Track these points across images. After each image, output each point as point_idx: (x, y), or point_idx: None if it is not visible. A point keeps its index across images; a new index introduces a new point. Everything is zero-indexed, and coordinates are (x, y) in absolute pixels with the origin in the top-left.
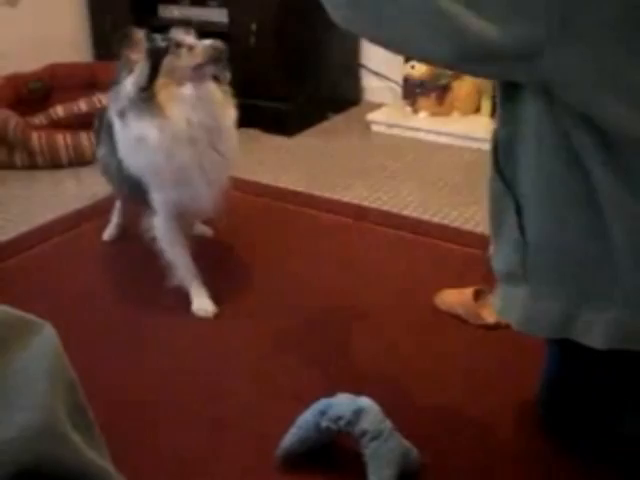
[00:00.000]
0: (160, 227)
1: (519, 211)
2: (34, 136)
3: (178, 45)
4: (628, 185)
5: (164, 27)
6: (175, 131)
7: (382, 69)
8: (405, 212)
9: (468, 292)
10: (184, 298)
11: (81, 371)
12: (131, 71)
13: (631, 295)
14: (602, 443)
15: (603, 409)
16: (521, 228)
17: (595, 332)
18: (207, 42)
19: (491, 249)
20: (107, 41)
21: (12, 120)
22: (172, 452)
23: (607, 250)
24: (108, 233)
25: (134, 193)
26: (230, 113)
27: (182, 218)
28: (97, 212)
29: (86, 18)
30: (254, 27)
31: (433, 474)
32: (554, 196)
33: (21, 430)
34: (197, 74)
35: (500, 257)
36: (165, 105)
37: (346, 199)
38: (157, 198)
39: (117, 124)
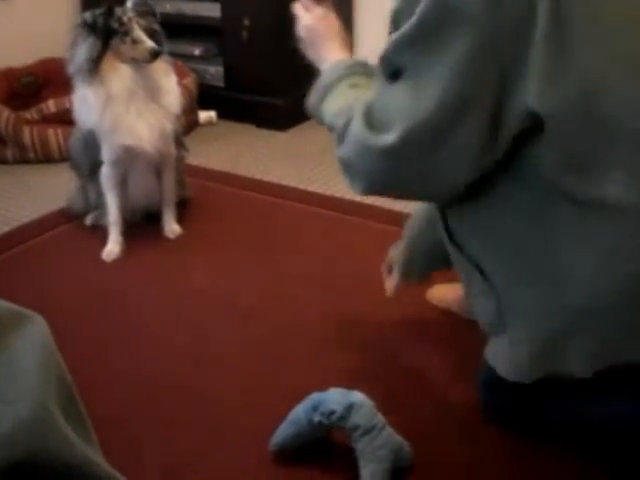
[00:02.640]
0: (105, 173)
1: (479, 268)
2: (26, 131)
3: (125, 32)
4: None
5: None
6: (111, 94)
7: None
8: (397, 207)
9: (460, 286)
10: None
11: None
12: (85, 39)
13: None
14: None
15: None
16: (486, 279)
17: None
18: (148, 45)
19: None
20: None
21: (3, 114)
22: (163, 450)
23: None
24: (90, 219)
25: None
26: (169, 77)
27: (130, 162)
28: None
29: (78, 12)
30: (247, 22)
31: (425, 470)
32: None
33: (13, 424)
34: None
35: (478, 308)
36: (106, 76)
37: (338, 194)
38: (104, 147)
39: (75, 79)
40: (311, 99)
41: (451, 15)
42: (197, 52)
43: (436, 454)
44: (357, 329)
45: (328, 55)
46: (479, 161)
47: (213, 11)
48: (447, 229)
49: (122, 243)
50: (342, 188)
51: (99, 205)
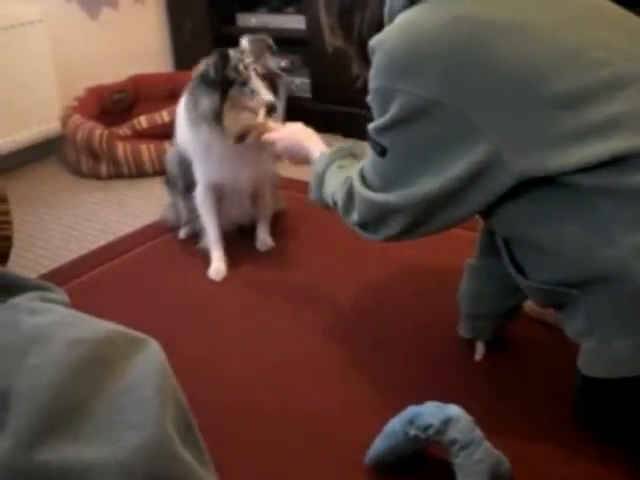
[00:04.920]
0: (199, 194)
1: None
2: (119, 146)
3: (244, 83)
4: None
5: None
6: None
7: None
8: None
9: None
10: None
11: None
12: (205, 92)
13: None
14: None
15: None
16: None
17: None
18: (267, 97)
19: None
20: (187, 51)
21: (97, 131)
22: (260, 464)
23: None
24: (183, 232)
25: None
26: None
27: (221, 191)
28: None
29: (166, 29)
30: None
31: None
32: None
33: (134, 450)
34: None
35: (565, 319)
36: (227, 125)
37: None
38: (198, 170)
39: (188, 127)
40: (312, 191)
41: (418, 113)
42: (283, 64)
43: (535, 470)
44: (453, 342)
45: (311, 152)
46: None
47: (298, 23)
48: (514, 262)
49: (226, 260)
50: None
51: (191, 219)
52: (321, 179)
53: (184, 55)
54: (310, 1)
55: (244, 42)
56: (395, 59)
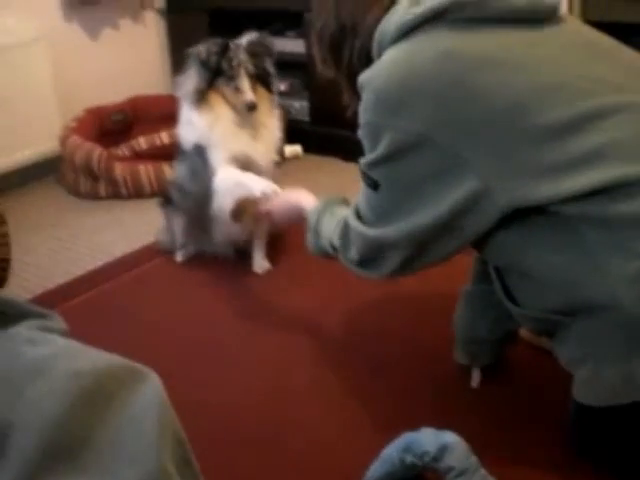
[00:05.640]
0: (219, 180)
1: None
2: (117, 167)
3: (231, 77)
4: None
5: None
6: (218, 116)
7: None
8: None
9: None
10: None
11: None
12: (196, 71)
13: None
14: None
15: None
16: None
17: None
18: (247, 98)
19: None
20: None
21: (96, 152)
22: None
23: None
24: (179, 255)
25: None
26: (272, 115)
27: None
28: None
29: (166, 50)
30: None
31: None
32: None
33: None
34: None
35: (557, 348)
36: (212, 104)
37: None
38: (215, 156)
39: (182, 103)
40: (309, 244)
41: (408, 148)
42: (283, 88)
43: None
44: (449, 368)
45: (305, 208)
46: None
47: (297, 47)
48: (506, 290)
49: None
50: None
51: (187, 242)
52: (316, 231)
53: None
54: (310, 26)
55: (244, 39)
56: (383, 95)
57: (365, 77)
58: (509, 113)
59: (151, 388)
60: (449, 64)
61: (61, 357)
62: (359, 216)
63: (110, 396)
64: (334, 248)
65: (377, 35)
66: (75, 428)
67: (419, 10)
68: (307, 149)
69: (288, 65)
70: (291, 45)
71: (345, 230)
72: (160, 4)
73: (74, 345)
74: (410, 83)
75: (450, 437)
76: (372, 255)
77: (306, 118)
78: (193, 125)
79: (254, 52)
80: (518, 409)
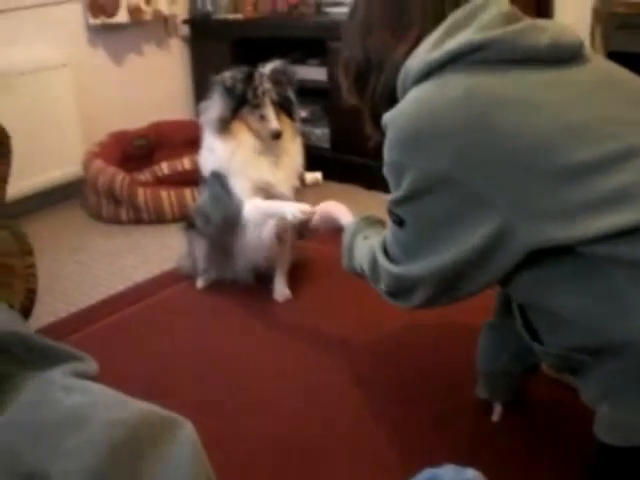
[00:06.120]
0: (249, 205)
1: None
2: (140, 192)
3: (256, 106)
4: None
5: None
6: (240, 145)
7: None
8: None
9: None
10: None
11: None
12: (220, 98)
13: None
14: None
15: None
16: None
17: None
18: (273, 127)
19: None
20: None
21: (119, 177)
22: None
23: None
24: (200, 281)
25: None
26: (295, 142)
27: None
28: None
29: (189, 76)
30: None
31: None
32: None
33: None
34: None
35: (584, 387)
36: (235, 133)
37: None
38: (237, 185)
39: (204, 130)
40: (343, 261)
41: (430, 188)
42: (304, 114)
43: None
44: (470, 402)
45: (342, 223)
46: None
47: (319, 75)
48: (527, 327)
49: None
50: None
51: (208, 268)
52: (350, 250)
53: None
54: (332, 54)
55: (268, 68)
56: (406, 135)
57: (389, 116)
58: (532, 153)
59: (186, 439)
60: (471, 105)
61: (96, 406)
62: (386, 252)
63: (145, 447)
64: (364, 274)
65: (401, 75)
66: (111, 479)
67: (441, 52)
68: (327, 176)
69: (310, 92)
70: (313, 72)
71: (374, 264)
72: (184, 32)
73: (109, 393)
74: (432, 123)
75: (471, 473)
76: (400, 290)
77: (327, 145)
78: (214, 152)
79: (277, 80)
80: (539, 444)
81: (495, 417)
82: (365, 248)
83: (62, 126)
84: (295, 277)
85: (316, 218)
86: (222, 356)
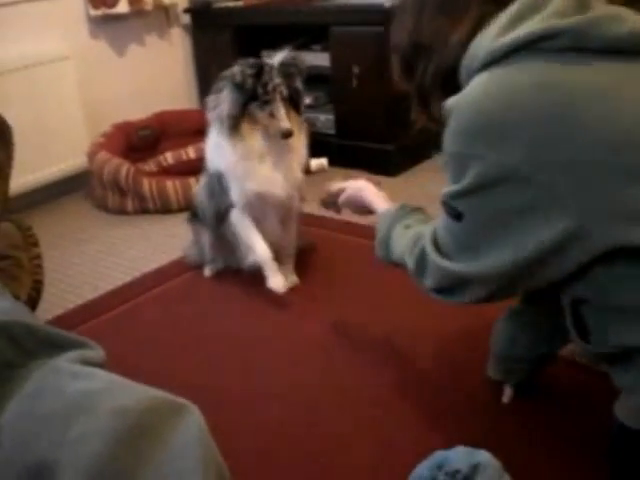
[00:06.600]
0: (236, 215)
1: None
2: (145, 182)
3: (266, 102)
4: None
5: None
6: (248, 150)
7: None
8: None
9: None
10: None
11: None
12: (230, 94)
13: None
14: None
15: None
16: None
17: None
18: (283, 126)
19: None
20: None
21: (124, 167)
22: None
23: None
24: (208, 270)
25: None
26: (300, 132)
27: (260, 209)
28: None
29: (192, 66)
30: (356, 70)
31: None
32: None
33: None
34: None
35: (622, 376)
36: (245, 133)
37: None
38: (234, 191)
39: (211, 127)
40: (378, 251)
41: (497, 181)
42: (308, 101)
43: None
44: (481, 385)
45: (375, 207)
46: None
47: (322, 60)
48: (577, 324)
49: (280, 272)
50: None
51: (216, 257)
52: (387, 238)
53: (210, 92)
54: (335, 39)
55: (276, 59)
56: (473, 126)
57: (453, 103)
58: (612, 150)
59: (193, 424)
60: (547, 96)
61: (104, 393)
62: (437, 246)
63: (153, 433)
64: (405, 266)
65: (465, 59)
66: (119, 465)
67: (512, 36)
68: (333, 162)
69: (313, 78)
70: (316, 59)
71: (421, 257)
72: (186, 20)
73: (115, 379)
74: (504, 114)
75: (483, 456)
76: (452, 286)
77: (331, 131)
78: (222, 152)
79: (287, 72)
80: (552, 428)
81: (505, 399)
82: (407, 238)
83: (66, 118)
84: (302, 263)
85: (344, 197)
86: (230, 343)
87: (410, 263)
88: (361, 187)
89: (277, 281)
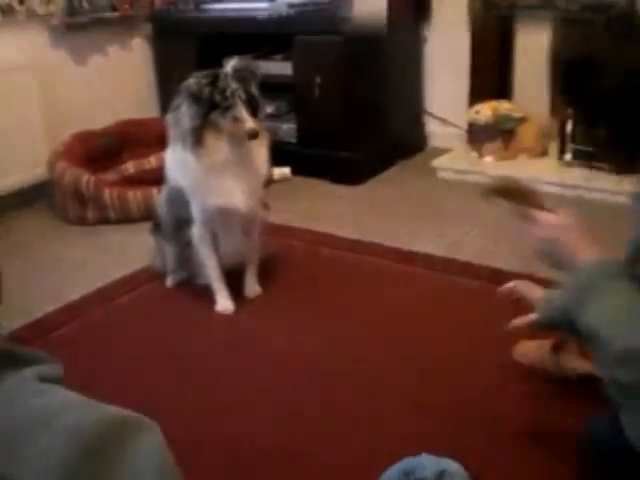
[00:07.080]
0: (196, 232)
1: None
2: (106, 192)
3: (227, 108)
4: None
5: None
6: (211, 164)
7: (447, 115)
8: (477, 260)
9: (546, 344)
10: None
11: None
12: (189, 108)
13: None
14: None
15: None
16: None
17: None
18: (249, 126)
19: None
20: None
21: (84, 177)
22: None
23: None
24: (170, 280)
25: (180, 217)
26: (261, 141)
27: (222, 222)
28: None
29: (153, 74)
30: (318, 79)
31: None
32: None
33: None
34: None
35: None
36: (208, 147)
37: (416, 248)
38: (194, 207)
39: (172, 144)
40: (564, 300)
41: None
42: (270, 110)
43: None
44: (449, 392)
45: (577, 255)
46: None
47: (285, 69)
48: None
49: (229, 296)
50: (424, 242)
51: (177, 268)
52: (589, 293)
53: (171, 100)
54: (298, 48)
55: (229, 66)
56: None
57: None
58: None
59: (152, 441)
60: None
61: (62, 411)
62: None
63: (110, 451)
64: (603, 339)
65: None
66: None
67: None
68: (295, 171)
69: (275, 87)
70: (278, 67)
71: None
72: (148, 30)
73: (73, 397)
74: None
75: (449, 464)
76: None
77: (293, 140)
78: (185, 168)
79: (242, 77)
80: (521, 437)
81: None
82: (632, 308)
83: (27, 128)
84: (265, 273)
85: (542, 233)
86: (192, 355)
87: (620, 339)
88: (570, 226)
89: (225, 305)
